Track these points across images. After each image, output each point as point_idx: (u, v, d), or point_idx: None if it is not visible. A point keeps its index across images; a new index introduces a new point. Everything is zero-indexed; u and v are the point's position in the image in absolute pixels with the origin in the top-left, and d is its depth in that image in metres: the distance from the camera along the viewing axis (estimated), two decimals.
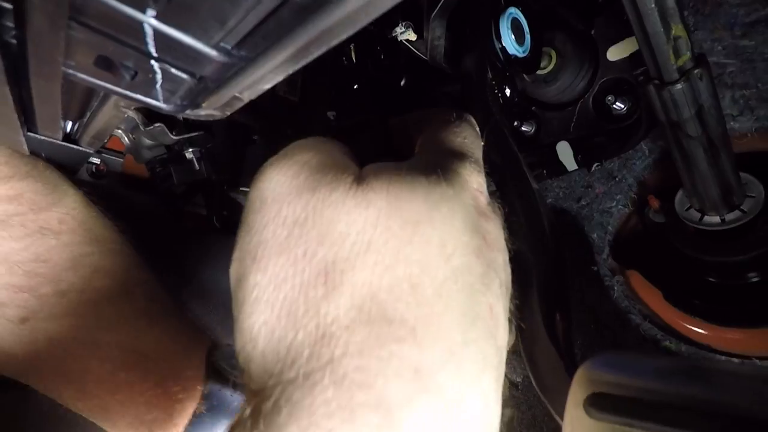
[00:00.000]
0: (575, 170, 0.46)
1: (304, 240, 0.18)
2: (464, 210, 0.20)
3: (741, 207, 0.34)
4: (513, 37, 0.37)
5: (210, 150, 0.39)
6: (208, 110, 0.23)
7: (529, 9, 0.38)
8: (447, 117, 0.25)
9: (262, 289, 0.18)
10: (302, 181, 0.19)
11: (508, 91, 0.38)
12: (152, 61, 0.16)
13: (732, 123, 0.39)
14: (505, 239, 0.21)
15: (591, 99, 0.43)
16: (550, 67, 0.43)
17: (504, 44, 0.37)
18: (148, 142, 0.39)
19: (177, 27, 0.14)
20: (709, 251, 0.36)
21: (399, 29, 0.40)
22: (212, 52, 0.15)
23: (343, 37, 0.14)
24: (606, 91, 0.42)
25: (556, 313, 0.23)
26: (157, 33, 0.14)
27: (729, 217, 0.34)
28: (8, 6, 0.14)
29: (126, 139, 0.39)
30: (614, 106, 0.42)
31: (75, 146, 0.31)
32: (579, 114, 0.44)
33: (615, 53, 0.41)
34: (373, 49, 0.48)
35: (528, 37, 0.38)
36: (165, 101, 0.19)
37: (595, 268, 0.45)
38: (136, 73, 0.17)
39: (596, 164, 0.45)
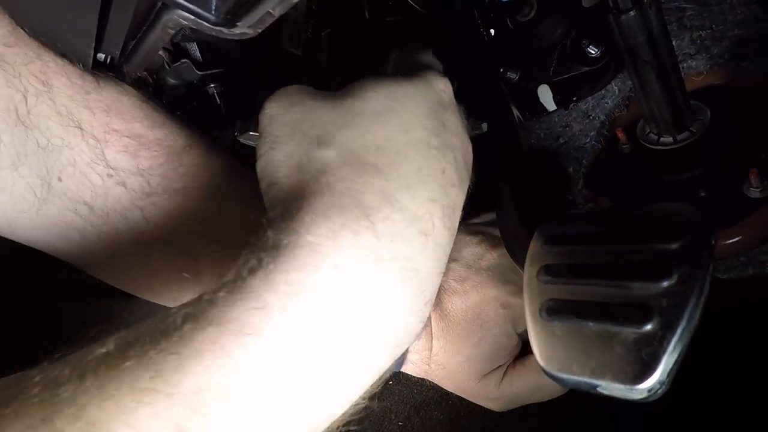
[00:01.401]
0: (554, 111, 0.52)
1: (302, 128, 0.26)
2: (426, 104, 0.28)
3: (691, 128, 0.40)
4: None
5: (227, 89, 0.43)
6: (243, 29, 0.28)
7: None
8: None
9: (280, 156, 0.26)
10: (296, 98, 0.28)
11: (492, 32, 0.43)
12: None
13: (690, 61, 0.45)
14: (466, 127, 0.30)
15: (569, 44, 0.48)
16: (532, 15, 0.48)
17: None
18: (171, 82, 0.44)
19: None
20: (665, 170, 0.42)
21: None
22: None
23: None
24: (581, 37, 0.47)
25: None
26: None
27: (680, 137, 0.39)
28: None
29: (149, 79, 0.44)
30: (588, 49, 0.47)
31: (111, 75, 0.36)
32: (558, 59, 0.50)
33: (589, 1, 0.46)
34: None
35: None
36: (215, 11, 0.24)
37: (571, 197, 0.51)
38: None
39: (573, 103, 0.51)
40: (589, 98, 0.51)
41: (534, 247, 0.25)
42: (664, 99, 0.37)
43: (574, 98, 0.50)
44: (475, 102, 0.37)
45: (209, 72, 0.40)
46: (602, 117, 0.50)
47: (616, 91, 0.49)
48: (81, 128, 0.31)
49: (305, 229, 0.22)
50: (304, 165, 0.25)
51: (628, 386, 0.18)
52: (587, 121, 0.52)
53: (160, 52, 0.38)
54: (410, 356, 0.45)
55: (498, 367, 0.42)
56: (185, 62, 0.39)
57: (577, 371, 0.19)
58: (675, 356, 0.18)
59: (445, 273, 0.45)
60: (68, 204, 0.32)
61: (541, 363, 0.21)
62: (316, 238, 0.22)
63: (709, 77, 0.44)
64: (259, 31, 0.28)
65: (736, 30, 0.43)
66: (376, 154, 0.25)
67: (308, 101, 0.28)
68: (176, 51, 0.42)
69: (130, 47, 0.31)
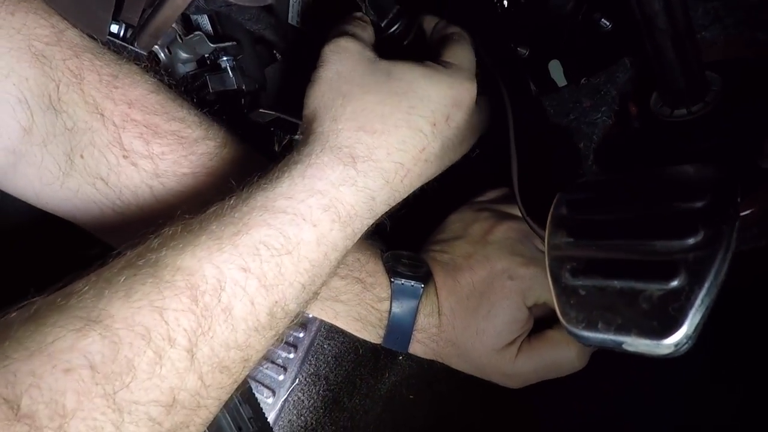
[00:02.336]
0: (565, 86, 0.51)
1: (339, 79, 0.36)
2: (441, 100, 0.36)
3: (705, 99, 0.39)
4: None
5: (239, 62, 0.43)
6: None
7: None
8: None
9: (318, 90, 0.36)
10: (350, 53, 0.37)
11: (506, 3, 0.43)
12: None
13: (704, 33, 0.45)
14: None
15: (580, 17, 0.48)
16: None
17: None
18: (183, 55, 0.44)
19: None
20: (677, 143, 0.41)
21: None
22: None
23: None
24: (593, 9, 0.47)
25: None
26: None
27: (695, 108, 0.39)
28: None
29: (162, 54, 0.44)
30: (600, 23, 0.47)
31: (131, 47, 0.36)
32: (569, 32, 0.49)
33: None
34: None
35: None
36: None
37: (581, 172, 0.51)
38: None
39: (584, 79, 0.50)
40: (601, 73, 0.50)
41: (555, 211, 0.25)
42: (680, 69, 0.36)
43: (586, 75, 0.50)
44: (490, 72, 0.38)
45: (222, 45, 0.40)
46: (613, 92, 0.50)
47: (627, 64, 0.49)
48: (103, 115, 0.35)
49: (315, 154, 0.33)
50: (329, 105, 0.35)
51: (654, 341, 0.18)
52: (598, 96, 0.51)
53: (173, 25, 0.38)
54: (417, 335, 0.45)
55: (512, 343, 0.43)
56: (198, 34, 0.39)
57: (603, 329, 0.19)
58: (702, 311, 0.18)
59: (452, 250, 0.46)
60: (87, 179, 0.36)
61: (565, 323, 0.21)
62: (324, 163, 0.33)
63: (723, 48, 0.44)
64: None
65: (750, 0, 0.42)
66: (378, 120, 0.34)
67: (357, 57, 0.36)
68: (188, 25, 0.41)
69: (147, 15, 0.31)
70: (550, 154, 0.34)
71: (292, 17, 0.55)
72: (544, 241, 0.26)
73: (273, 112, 0.54)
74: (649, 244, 0.19)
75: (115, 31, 0.36)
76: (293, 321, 0.32)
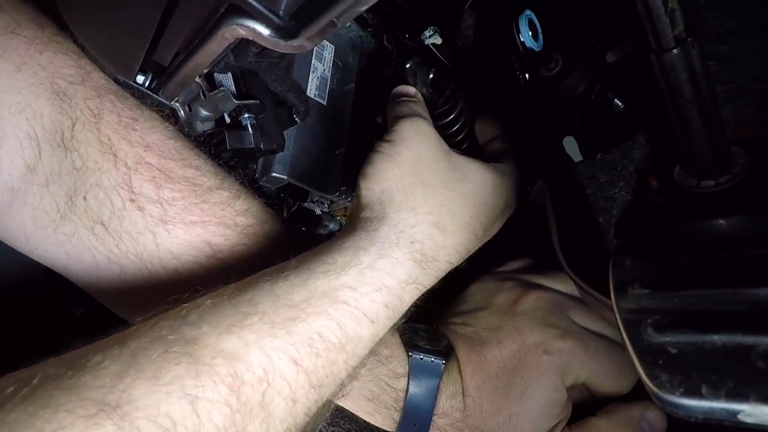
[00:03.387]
0: (580, 161, 0.51)
1: (420, 170, 0.35)
2: (493, 203, 0.38)
3: (732, 171, 0.39)
4: (530, 33, 0.44)
5: (260, 121, 0.43)
6: (302, 40, 0.28)
7: (542, 14, 0.46)
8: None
9: (402, 180, 0.35)
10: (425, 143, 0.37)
11: (527, 76, 0.44)
12: None
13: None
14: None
15: (593, 97, 0.49)
16: (557, 70, 0.50)
17: (523, 39, 0.43)
18: (204, 113, 0.43)
19: None
20: (704, 215, 0.40)
21: (428, 32, 0.47)
22: None
23: None
24: (606, 90, 0.48)
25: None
26: None
27: (723, 179, 0.39)
28: None
29: (182, 111, 0.44)
30: (614, 102, 0.48)
31: (156, 95, 0.35)
32: (583, 110, 0.51)
33: (612, 55, 0.48)
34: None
35: (541, 35, 0.45)
36: (284, 14, 0.24)
37: (605, 245, 0.49)
38: None
39: (599, 155, 0.51)
40: (615, 149, 0.51)
41: (616, 262, 0.23)
42: (706, 139, 0.36)
43: (601, 151, 0.50)
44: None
45: (245, 102, 0.40)
46: (630, 167, 0.50)
47: (643, 141, 0.49)
48: (116, 156, 0.34)
49: (388, 245, 0.32)
50: (409, 191, 0.34)
51: None
52: (614, 171, 0.52)
53: (197, 80, 0.38)
54: (438, 422, 0.40)
55: None
56: (223, 90, 0.38)
57: (710, 395, 0.16)
58: None
59: (475, 322, 0.42)
60: (86, 223, 0.33)
61: (657, 390, 0.17)
62: (396, 260, 0.32)
63: (736, 128, 0.45)
64: (316, 44, 0.28)
65: (757, 84, 0.44)
66: (449, 220, 0.35)
67: (435, 144, 0.37)
68: (211, 83, 0.41)
69: (179, 60, 0.30)
70: (590, 217, 0.32)
71: (311, 90, 0.56)
72: (583, 290, 0.23)
73: (285, 177, 0.53)
74: (749, 292, 0.17)
75: (141, 81, 0.36)
76: None
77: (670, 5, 0.31)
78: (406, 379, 0.38)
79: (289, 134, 0.53)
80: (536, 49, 0.44)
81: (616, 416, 0.37)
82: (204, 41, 0.28)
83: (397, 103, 0.39)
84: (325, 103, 0.59)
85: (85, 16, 0.29)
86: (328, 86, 0.60)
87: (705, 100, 0.35)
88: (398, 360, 0.39)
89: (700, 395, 0.16)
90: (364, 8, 0.25)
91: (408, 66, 0.42)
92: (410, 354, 0.39)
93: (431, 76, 0.41)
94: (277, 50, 0.28)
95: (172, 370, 0.21)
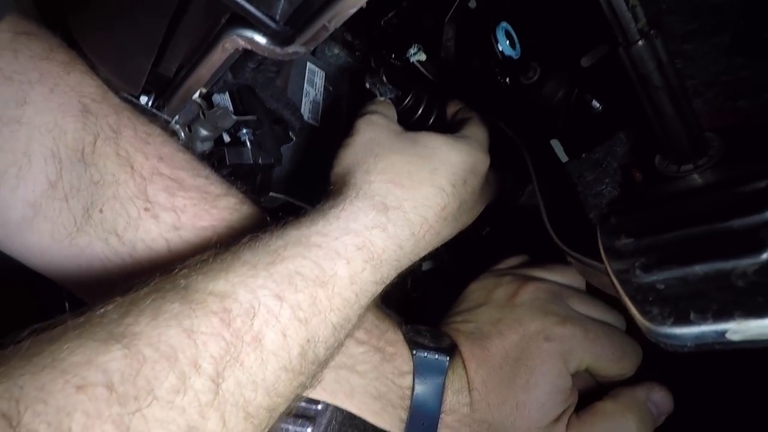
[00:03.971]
0: (567, 161, 0.54)
1: (373, 142, 0.40)
2: (460, 165, 0.41)
3: (709, 154, 0.41)
4: (507, 43, 0.47)
5: (258, 137, 0.45)
6: (297, 46, 0.30)
7: (517, 25, 0.49)
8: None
9: (352, 151, 0.40)
10: (379, 125, 0.42)
11: (508, 80, 0.47)
12: None
13: None
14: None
15: (573, 100, 0.52)
16: (536, 78, 0.53)
17: (501, 48, 0.47)
18: (204, 133, 0.45)
19: None
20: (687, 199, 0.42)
21: (412, 50, 0.50)
22: None
23: None
24: (583, 93, 0.51)
25: None
26: None
27: (701, 162, 0.41)
28: None
29: (182, 133, 0.46)
30: (592, 103, 0.51)
31: (159, 113, 0.37)
32: (564, 114, 0.53)
33: (586, 60, 0.51)
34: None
35: (518, 44, 0.49)
36: (280, 19, 0.26)
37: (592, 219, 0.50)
38: None
39: (584, 154, 0.53)
40: (599, 148, 0.53)
41: (602, 221, 0.24)
42: (680, 123, 0.39)
43: (585, 151, 0.53)
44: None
45: (243, 118, 0.42)
46: (614, 164, 0.52)
47: (623, 138, 0.52)
48: (132, 167, 0.36)
49: (349, 200, 0.36)
50: (361, 162, 0.39)
51: (766, 318, 0.15)
52: (600, 169, 0.54)
53: (196, 98, 0.40)
54: (446, 419, 0.40)
55: (558, 419, 0.37)
56: (222, 108, 0.41)
57: (698, 319, 0.17)
58: None
59: (476, 318, 0.43)
60: (101, 234, 0.35)
61: (649, 324, 0.18)
62: (358, 208, 0.35)
63: (709, 118, 0.47)
64: (311, 49, 0.30)
65: (724, 77, 0.47)
66: (406, 177, 0.38)
67: (385, 128, 0.42)
68: (209, 104, 0.44)
69: (182, 74, 0.32)
70: (573, 191, 0.34)
71: (304, 113, 0.59)
72: (574, 258, 0.24)
73: (283, 196, 0.55)
74: (721, 225, 0.18)
75: (144, 102, 0.38)
76: (317, 378, 0.29)
77: (631, 2, 0.34)
78: (411, 376, 0.38)
79: (285, 155, 0.55)
80: (515, 57, 0.47)
81: (622, 398, 0.37)
82: (206, 52, 0.30)
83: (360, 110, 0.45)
84: (318, 125, 0.61)
85: (95, 33, 0.31)
86: (320, 109, 0.63)
87: (674, 86, 0.37)
88: (403, 358, 0.39)
89: (689, 321, 0.17)
90: (353, 11, 0.27)
91: (367, 86, 0.47)
92: (414, 352, 0.39)
93: (384, 78, 0.47)
94: (275, 57, 0.30)
95: (169, 310, 0.24)
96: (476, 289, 0.46)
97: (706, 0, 0.48)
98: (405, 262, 0.37)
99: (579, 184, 0.56)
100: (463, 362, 0.40)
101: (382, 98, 0.47)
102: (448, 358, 0.39)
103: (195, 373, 0.23)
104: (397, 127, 0.43)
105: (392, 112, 0.45)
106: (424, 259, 0.65)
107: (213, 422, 0.23)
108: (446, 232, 0.41)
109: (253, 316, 0.26)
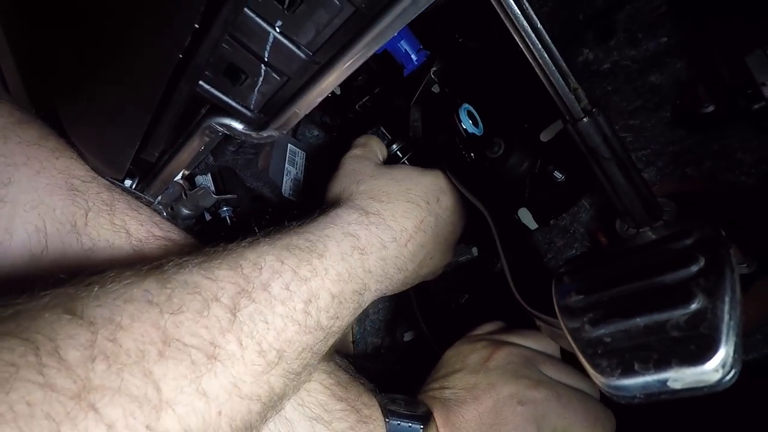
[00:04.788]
0: (536, 229, 0.56)
1: (355, 172, 0.46)
2: (430, 186, 0.47)
3: (663, 218, 0.44)
4: (470, 122, 0.51)
5: (237, 214, 0.47)
6: (271, 131, 0.33)
7: (478, 107, 0.54)
8: None
9: (339, 181, 0.47)
10: (362, 159, 0.48)
11: (472, 155, 0.50)
12: (262, 65, 0.26)
13: (643, 174, 0.52)
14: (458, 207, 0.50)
15: (537, 172, 0.56)
16: (501, 152, 0.57)
17: (465, 126, 0.51)
18: (185, 212, 0.47)
19: (289, 35, 0.25)
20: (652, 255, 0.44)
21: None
22: (301, 55, 0.26)
23: (389, 37, 0.26)
24: (546, 165, 0.55)
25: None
26: (275, 40, 0.25)
27: (656, 224, 0.43)
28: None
29: (165, 212, 0.48)
30: (554, 174, 0.54)
31: (142, 195, 0.39)
32: (530, 185, 0.57)
33: (546, 135, 0.56)
34: None
35: (480, 123, 0.53)
36: (254, 108, 0.29)
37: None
38: (246, 77, 0.27)
39: (552, 220, 0.56)
40: (565, 215, 0.56)
41: (557, 281, 0.26)
42: (632, 190, 0.42)
43: (552, 217, 0.56)
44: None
45: (224, 197, 0.44)
46: (581, 230, 0.54)
47: (587, 206, 0.55)
48: (129, 233, 0.38)
49: (333, 210, 0.41)
50: (345, 188, 0.45)
51: (699, 366, 0.16)
52: (568, 235, 0.56)
53: (178, 179, 0.42)
54: None
55: None
56: (203, 188, 0.43)
57: (641, 369, 0.18)
58: (734, 329, 0.17)
59: (452, 384, 0.42)
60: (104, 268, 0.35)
61: (600, 378, 0.19)
62: (342, 211, 0.40)
63: (661, 186, 0.51)
64: (284, 133, 0.33)
65: (670, 147, 0.51)
66: (384, 195, 0.44)
67: (366, 161, 0.48)
68: (192, 185, 0.46)
69: (164, 159, 0.35)
70: (537, 255, 0.36)
71: (285, 190, 0.62)
72: (535, 317, 0.25)
73: None
74: (657, 280, 0.19)
75: (128, 185, 0.40)
76: (321, 350, 0.34)
77: (572, 85, 0.39)
78: None
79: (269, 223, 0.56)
80: (478, 134, 0.52)
81: None
82: (187, 139, 0.32)
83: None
84: (297, 201, 0.64)
85: (83, 121, 0.34)
86: (301, 186, 0.66)
87: (621, 157, 0.41)
88: (376, 422, 0.38)
89: (634, 371, 0.17)
90: (320, 99, 0.30)
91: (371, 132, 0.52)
92: (387, 420, 0.38)
93: (382, 128, 0.53)
94: (251, 141, 0.33)
95: (189, 264, 0.30)
96: (452, 356, 0.46)
97: (645, 81, 0.53)
98: (391, 269, 0.41)
99: (550, 250, 0.58)
100: (437, 430, 0.39)
101: (362, 139, 0.53)
102: (422, 426, 0.38)
103: (215, 301, 0.28)
104: (377, 160, 0.49)
105: (376, 147, 0.51)
106: (405, 329, 0.65)
107: (233, 344, 0.27)
108: (429, 246, 0.45)
109: (261, 269, 0.31)
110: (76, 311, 0.24)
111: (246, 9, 0.23)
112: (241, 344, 0.28)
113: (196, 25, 0.23)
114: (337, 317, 0.35)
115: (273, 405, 0.30)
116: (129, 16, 0.24)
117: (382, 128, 0.52)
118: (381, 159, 0.51)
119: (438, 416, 0.40)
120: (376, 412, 0.39)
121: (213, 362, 0.26)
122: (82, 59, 0.28)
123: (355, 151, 0.49)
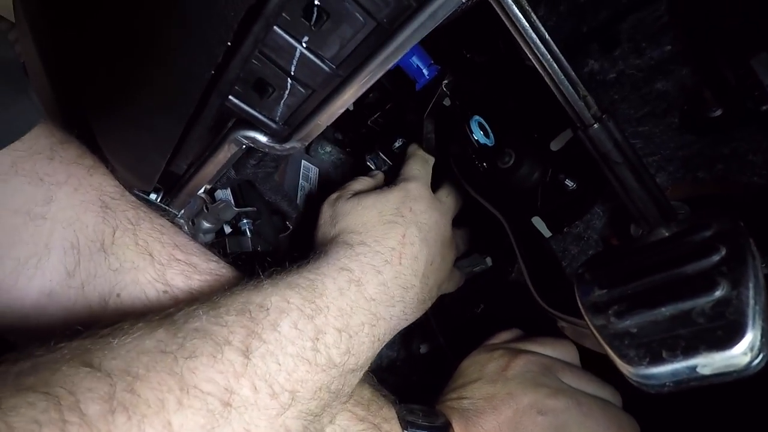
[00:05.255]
0: (550, 237, 0.57)
1: (333, 215, 0.47)
2: (397, 200, 0.47)
3: (678, 219, 0.44)
4: (481, 133, 0.53)
5: (257, 226, 0.48)
6: (294, 142, 0.34)
7: (489, 118, 0.55)
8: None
9: (322, 227, 0.47)
10: (342, 200, 0.49)
11: (485, 165, 0.51)
12: (288, 79, 0.27)
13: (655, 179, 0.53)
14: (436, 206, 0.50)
15: (548, 180, 0.57)
16: (512, 162, 0.58)
17: (476, 137, 0.52)
18: (206, 225, 0.48)
19: (315, 49, 0.26)
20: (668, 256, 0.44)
21: (397, 144, 0.56)
22: (326, 68, 0.27)
23: (408, 49, 0.27)
24: (557, 173, 0.56)
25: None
26: (302, 55, 0.26)
27: (670, 227, 0.44)
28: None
29: (186, 227, 0.49)
30: (566, 183, 0.55)
31: (167, 208, 0.40)
32: (542, 194, 0.57)
33: (555, 144, 0.57)
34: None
35: (491, 134, 0.54)
36: (279, 120, 0.30)
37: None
38: (273, 90, 0.28)
39: (565, 228, 0.56)
40: (579, 222, 0.57)
41: (579, 277, 0.26)
42: (645, 193, 0.42)
43: (565, 224, 0.56)
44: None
45: (244, 209, 0.45)
46: (595, 236, 0.55)
47: (600, 212, 0.55)
48: (152, 255, 0.39)
49: (332, 251, 0.42)
50: (326, 233, 0.47)
51: (727, 351, 0.17)
52: (582, 242, 0.56)
53: (201, 193, 0.44)
54: None
55: None
56: (224, 201, 0.44)
57: (670, 357, 0.18)
58: (760, 314, 0.18)
59: (470, 394, 0.42)
60: (117, 319, 0.35)
61: (628, 367, 0.19)
62: (327, 251, 0.42)
63: (673, 190, 0.51)
64: (305, 144, 0.34)
65: (680, 152, 0.52)
66: (360, 226, 0.45)
67: (340, 200, 0.49)
68: (212, 199, 0.47)
69: (191, 172, 0.36)
70: (555, 259, 0.36)
71: (300, 205, 0.63)
72: (559, 318, 0.26)
73: None
74: (679, 271, 0.20)
75: (153, 198, 0.41)
76: (341, 391, 0.35)
77: (581, 93, 0.40)
78: None
79: (286, 236, 0.57)
80: (490, 145, 0.53)
81: None
82: (214, 151, 0.34)
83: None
84: (311, 214, 0.65)
85: (117, 134, 0.35)
86: (315, 200, 0.67)
87: (633, 161, 0.42)
88: None
89: (662, 359, 0.18)
90: (342, 110, 0.32)
91: (367, 162, 0.52)
92: (406, 431, 0.38)
93: (381, 153, 0.55)
94: (274, 153, 0.34)
95: (198, 314, 0.31)
96: (469, 365, 0.46)
97: (652, 88, 0.55)
98: (397, 290, 0.42)
99: (564, 257, 0.58)
100: None
101: (375, 171, 0.55)
102: None
103: (227, 345, 0.28)
104: (349, 195, 0.50)
105: (355, 184, 0.52)
106: (421, 341, 0.65)
107: (246, 389, 0.28)
108: (423, 254, 0.46)
109: (268, 310, 0.32)
110: (94, 364, 0.25)
111: (275, 26, 0.24)
112: (255, 388, 0.28)
113: (229, 43, 0.25)
114: (350, 353, 0.35)
115: None
116: (165, 35, 0.25)
117: (381, 154, 0.53)
118: (360, 189, 0.51)
119: (457, 426, 0.40)
120: (395, 426, 0.39)
121: (228, 410, 0.27)
122: (117, 76, 0.29)
123: (331, 196, 0.50)
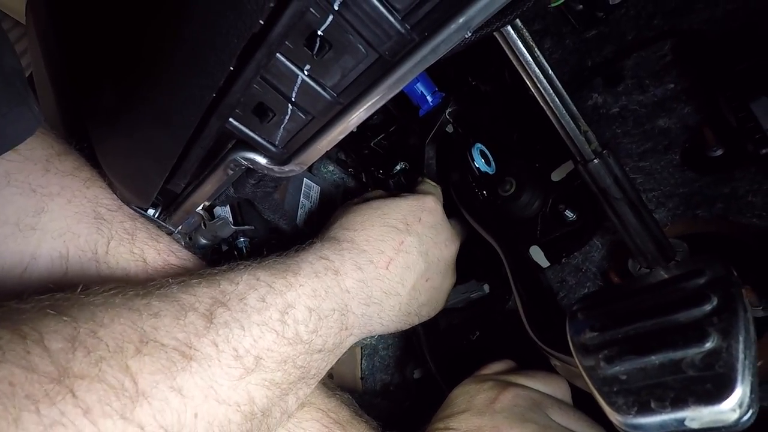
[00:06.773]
0: (548, 267, 0.56)
1: (342, 220, 0.46)
2: (408, 207, 0.47)
3: (676, 258, 0.44)
4: (483, 161, 0.53)
5: (254, 245, 0.48)
6: (292, 166, 0.34)
7: (490, 146, 0.55)
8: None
9: (331, 229, 0.46)
10: (354, 206, 0.48)
11: (485, 192, 0.51)
12: (289, 105, 0.28)
13: (654, 215, 0.53)
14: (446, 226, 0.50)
15: (548, 210, 0.57)
16: (512, 190, 0.58)
17: (477, 164, 0.52)
18: (203, 241, 0.48)
19: (316, 77, 0.27)
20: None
21: (398, 167, 0.56)
22: (327, 96, 0.27)
23: (409, 80, 0.27)
24: (557, 204, 0.56)
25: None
26: (303, 82, 0.26)
27: (670, 265, 0.43)
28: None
29: (183, 241, 0.49)
30: (565, 213, 0.55)
31: (164, 224, 0.40)
32: (541, 223, 0.57)
33: (557, 175, 0.57)
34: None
35: (493, 162, 0.54)
36: (279, 144, 0.30)
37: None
38: (273, 115, 0.28)
39: (563, 258, 0.56)
40: (577, 254, 0.56)
41: (571, 318, 0.26)
42: (644, 230, 0.42)
43: (563, 255, 0.56)
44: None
45: (242, 228, 0.45)
46: (593, 269, 0.55)
47: (599, 245, 0.55)
48: (146, 262, 0.40)
49: (317, 242, 0.42)
50: (327, 229, 0.46)
51: (716, 405, 0.17)
52: (580, 274, 0.56)
53: (199, 210, 0.44)
54: None
55: None
56: (222, 219, 0.44)
57: (658, 408, 0.18)
58: (749, 369, 0.17)
59: (457, 425, 0.41)
60: None
61: (617, 416, 0.19)
62: (313, 244, 0.42)
63: (672, 227, 0.51)
64: (305, 168, 0.35)
65: (680, 189, 0.52)
66: (358, 224, 0.45)
67: (354, 204, 0.48)
68: (211, 216, 0.47)
69: (189, 190, 0.36)
70: (550, 293, 0.36)
71: (299, 223, 0.63)
72: (549, 354, 0.25)
73: None
74: (672, 318, 0.20)
75: (150, 214, 0.42)
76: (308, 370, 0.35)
77: (582, 128, 0.40)
78: None
79: None
80: (491, 173, 0.53)
81: None
82: (212, 171, 0.34)
83: None
84: (310, 232, 0.65)
85: (116, 151, 0.36)
86: (315, 219, 0.67)
87: (631, 196, 0.42)
88: None
89: (650, 410, 0.17)
90: (342, 137, 0.32)
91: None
92: None
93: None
94: (273, 175, 0.35)
95: (169, 284, 0.32)
96: (458, 395, 0.45)
97: (654, 125, 0.55)
98: (377, 291, 0.41)
99: (562, 288, 0.58)
100: None
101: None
102: None
103: (192, 310, 0.29)
104: (362, 200, 0.49)
105: (369, 194, 0.51)
106: (414, 366, 0.65)
107: (208, 347, 0.28)
108: (417, 266, 0.45)
109: (237, 284, 0.33)
110: (61, 311, 0.26)
111: (278, 54, 0.25)
112: (217, 347, 0.29)
113: (231, 68, 0.25)
114: (317, 333, 0.36)
115: (254, 419, 0.30)
116: (169, 56, 0.26)
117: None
118: (375, 197, 0.51)
119: None
120: None
121: (188, 361, 0.27)
122: (119, 94, 0.30)
123: (349, 201, 0.50)
